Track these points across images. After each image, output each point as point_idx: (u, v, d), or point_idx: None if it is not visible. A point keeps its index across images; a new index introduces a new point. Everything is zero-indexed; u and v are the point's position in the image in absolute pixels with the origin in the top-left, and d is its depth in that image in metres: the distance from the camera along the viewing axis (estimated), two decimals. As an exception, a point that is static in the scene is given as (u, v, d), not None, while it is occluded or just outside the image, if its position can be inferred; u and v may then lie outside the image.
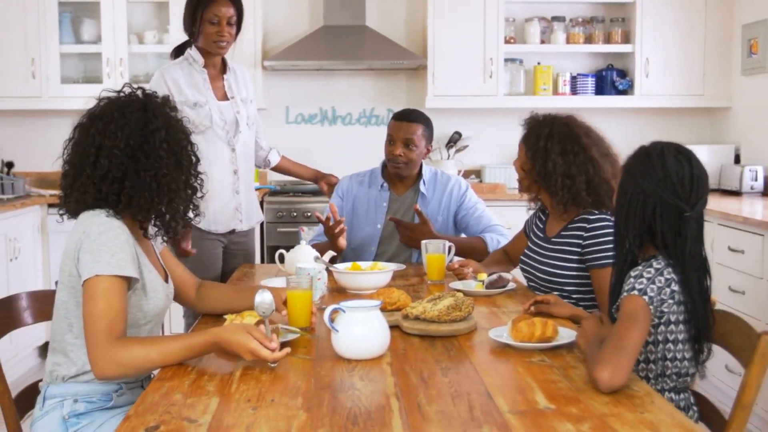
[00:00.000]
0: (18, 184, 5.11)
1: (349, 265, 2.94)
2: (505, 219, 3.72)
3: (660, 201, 2.01)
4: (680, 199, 2.01)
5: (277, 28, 5.71)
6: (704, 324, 2.04)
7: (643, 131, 5.71)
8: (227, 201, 3.48)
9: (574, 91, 5.61)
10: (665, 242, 2.01)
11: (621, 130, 5.58)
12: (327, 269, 2.83)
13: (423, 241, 3.07)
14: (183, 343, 1.93)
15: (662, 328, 2.01)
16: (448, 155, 5.67)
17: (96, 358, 1.90)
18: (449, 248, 3.07)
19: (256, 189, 5.37)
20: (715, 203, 4.60)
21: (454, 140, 5.65)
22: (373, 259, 3.44)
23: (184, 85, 3.40)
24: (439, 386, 1.79)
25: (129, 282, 2.02)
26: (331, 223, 3.20)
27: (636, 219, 2.04)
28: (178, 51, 3.53)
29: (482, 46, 5.42)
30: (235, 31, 3.45)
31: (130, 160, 2.05)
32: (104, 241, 1.97)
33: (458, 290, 2.76)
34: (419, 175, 3.55)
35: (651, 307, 1.93)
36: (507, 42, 5.53)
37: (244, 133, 3.51)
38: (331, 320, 2.00)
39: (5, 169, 5.22)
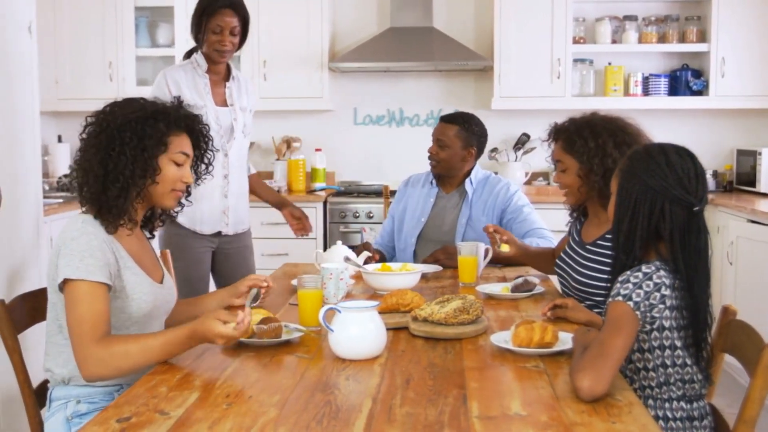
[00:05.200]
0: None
1: (379, 265, 2.96)
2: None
3: (669, 198, 1.95)
4: (689, 193, 1.95)
5: (345, 29, 5.77)
6: (703, 328, 1.96)
7: (719, 133, 5.51)
8: (216, 204, 3.51)
9: (646, 92, 5.45)
10: (672, 242, 1.94)
11: (695, 132, 5.44)
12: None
13: (457, 243, 3.06)
14: (162, 338, 1.96)
15: (656, 334, 1.93)
16: (516, 157, 5.61)
17: (83, 360, 1.95)
18: (486, 251, 3.05)
19: (323, 189, 5.47)
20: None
21: (521, 142, 5.58)
22: (412, 255, 3.48)
23: (184, 87, 3.45)
24: (420, 389, 1.77)
25: (108, 285, 2.04)
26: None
27: (644, 220, 1.97)
28: (188, 55, 3.60)
29: (550, 47, 5.34)
30: (239, 40, 3.49)
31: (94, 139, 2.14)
32: (75, 246, 2.02)
33: (486, 293, 2.74)
34: (468, 175, 3.56)
35: (638, 312, 1.86)
36: (576, 42, 5.42)
37: (239, 140, 3.56)
38: (327, 320, 2.02)
39: (81, 168, 5.42)
